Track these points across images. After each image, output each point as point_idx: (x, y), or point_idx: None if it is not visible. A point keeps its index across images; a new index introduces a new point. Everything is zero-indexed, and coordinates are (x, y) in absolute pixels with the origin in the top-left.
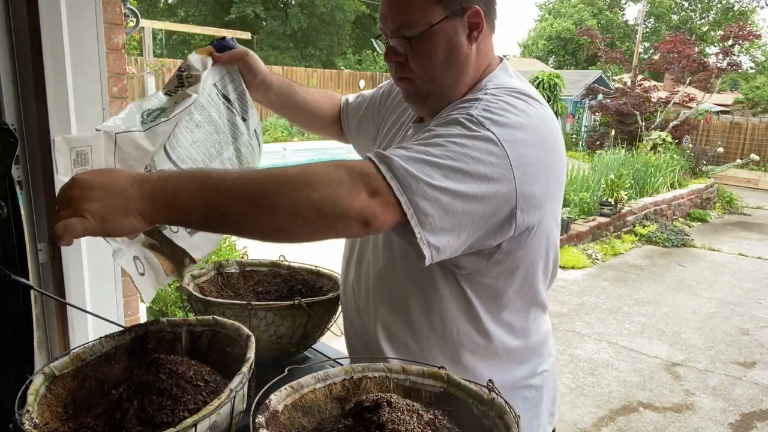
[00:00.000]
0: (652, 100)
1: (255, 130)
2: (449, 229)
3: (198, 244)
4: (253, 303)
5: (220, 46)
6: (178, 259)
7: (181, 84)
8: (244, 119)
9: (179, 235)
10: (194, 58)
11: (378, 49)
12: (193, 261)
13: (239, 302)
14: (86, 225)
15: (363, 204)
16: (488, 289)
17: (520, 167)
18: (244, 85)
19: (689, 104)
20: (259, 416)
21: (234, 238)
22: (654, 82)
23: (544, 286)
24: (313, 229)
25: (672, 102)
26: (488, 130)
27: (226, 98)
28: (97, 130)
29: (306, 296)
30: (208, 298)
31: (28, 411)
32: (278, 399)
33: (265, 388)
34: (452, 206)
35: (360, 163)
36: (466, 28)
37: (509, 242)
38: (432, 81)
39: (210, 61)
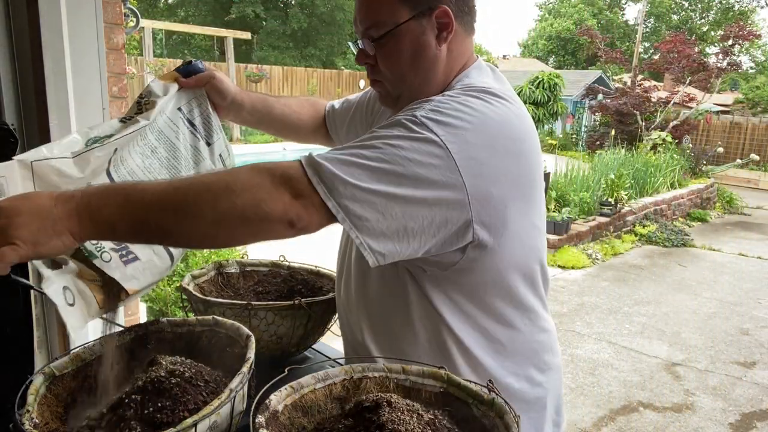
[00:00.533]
0: (652, 100)
1: (220, 155)
2: (392, 234)
3: (133, 274)
4: (253, 303)
5: (187, 71)
6: (112, 291)
7: (139, 111)
8: (208, 143)
9: (111, 265)
10: (156, 85)
11: (354, 50)
12: (127, 294)
13: (239, 302)
14: (19, 252)
15: (285, 206)
16: (461, 297)
17: (469, 169)
18: (210, 109)
19: (689, 104)
20: (259, 416)
21: None
22: (654, 82)
23: (533, 293)
24: (240, 233)
25: (672, 102)
26: (431, 131)
27: (191, 123)
28: (11, 159)
29: (306, 296)
30: (208, 298)
31: (28, 411)
32: (278, 399)
33: (265, 388)
34: (389, 210)
35: (286, 165)
36: (435, 29)
37: (473, 249)
38: (400, 81)
39: (174, 86)
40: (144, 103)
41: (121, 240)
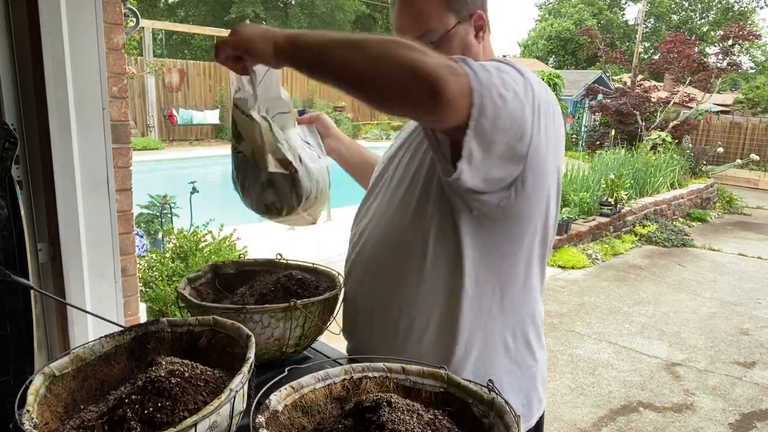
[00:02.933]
0: (652, 100)
1: (326, 166)
2: (488, 144)
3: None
4: (248, 306)
5: (301, 112)
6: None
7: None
8: (319, 157)
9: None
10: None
11: None
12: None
13: (234, 306)
14: (236, 39)
15: (440, 72)
16: (489, 244)
17: (538, 110)
18: (319, 137)
19: (689, 104)
20: (259, 416)
21: (234, 238)
22: (654, 82)
23: (540, 263)
24: (396, 82)
25: (672, 102)
26: (516, 69)
27: (307, 142)
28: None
29: (303, 296)
30: (204, 303)
31: (28, 411)
32: (278, 399)
33: (265, 388)
34: (501, 120)
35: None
36: (473, 30)
37: (515, 189)
38: None
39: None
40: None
41: (304, 64)
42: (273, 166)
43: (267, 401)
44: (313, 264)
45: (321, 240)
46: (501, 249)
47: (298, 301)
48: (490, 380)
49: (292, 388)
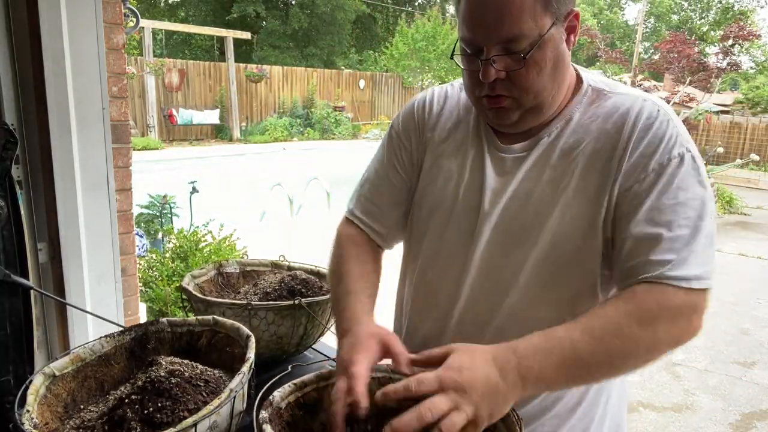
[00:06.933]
0: None
1: None
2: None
3: None
4: (253, 303)
5: None
6: None
7: None
8: None
9: None
10: None
11: (461, 65)
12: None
13: (239, 302)
14: (479, 427)
15: (697, 325)
16: None
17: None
18: None
19: (689, 104)
20: (263, 411)
21: (234, 238)
22: (654, 82)
23: None
24: (666, 352)
25: (672, 102)
26: (701, 165)
27: None
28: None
29: (306, 296)
30: (208, 297)
31: (28, 411)
32: (281, 396)
33: (270, 383)
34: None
35: (682, 300)
36: (565, 33)
37: None
38: (539, 93)
39: None
40: None
41: (552, 390)
42: None
43: (270, 397)
44: (315, 267)
45: (322, 240)
46: None
47: (303, 300)
48: None
49: (295, 385)
